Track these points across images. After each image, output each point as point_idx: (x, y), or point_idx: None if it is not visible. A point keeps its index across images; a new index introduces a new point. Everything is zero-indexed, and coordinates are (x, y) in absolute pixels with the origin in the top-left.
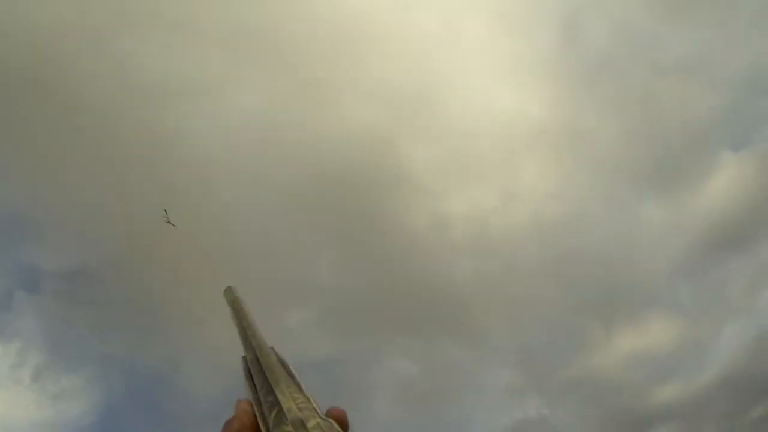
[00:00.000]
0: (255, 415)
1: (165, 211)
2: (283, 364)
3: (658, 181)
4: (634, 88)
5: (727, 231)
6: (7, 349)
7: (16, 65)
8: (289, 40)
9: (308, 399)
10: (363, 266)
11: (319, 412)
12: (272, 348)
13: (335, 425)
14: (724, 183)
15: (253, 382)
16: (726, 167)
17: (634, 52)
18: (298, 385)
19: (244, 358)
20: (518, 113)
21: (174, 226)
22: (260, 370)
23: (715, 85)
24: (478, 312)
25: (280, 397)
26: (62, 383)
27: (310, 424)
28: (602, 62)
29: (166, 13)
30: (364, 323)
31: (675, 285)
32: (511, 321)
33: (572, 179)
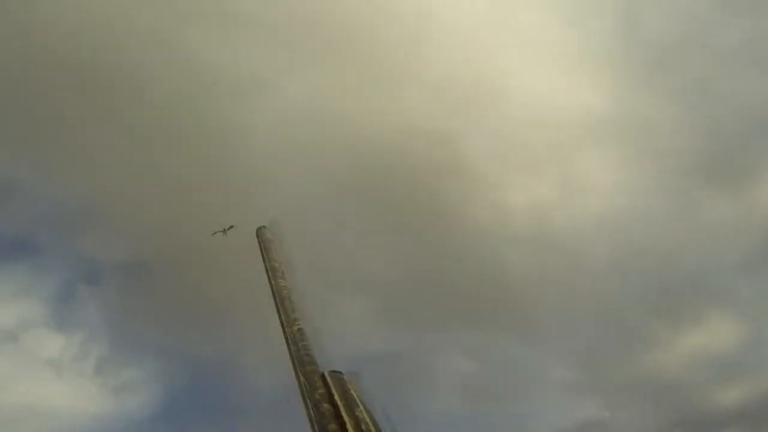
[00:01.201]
0: None
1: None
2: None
3: (721, 174)
4: (695, 77)
5: None
6: (70, 340)
7: (82, 60)
8: (349, 34)
9: None
10: (422, 258)
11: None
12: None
13: None
14: None
15: None
16: None
17: (693, 40)
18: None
19: None
20: (578, 104)
21: (225, 232)
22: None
23: None
24: (538, 307)
25: None
26: (123, 375)
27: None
28: (662, 51)
29: (230, 7)
30: (423, 316)
31: (739, 283)
32: (571, 317)
33: (633, 172)
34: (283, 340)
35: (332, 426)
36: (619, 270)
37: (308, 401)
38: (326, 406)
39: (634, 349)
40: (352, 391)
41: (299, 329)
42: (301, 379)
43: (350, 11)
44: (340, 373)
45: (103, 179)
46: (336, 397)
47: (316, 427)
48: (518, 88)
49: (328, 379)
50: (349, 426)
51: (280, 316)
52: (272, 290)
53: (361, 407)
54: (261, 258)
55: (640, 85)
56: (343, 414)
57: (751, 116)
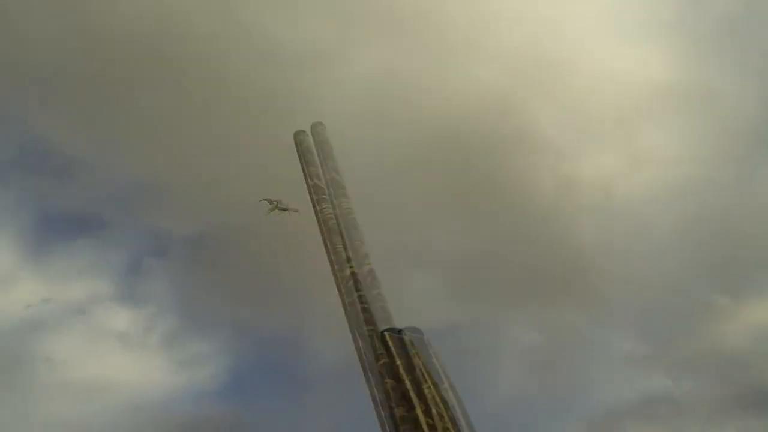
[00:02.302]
0: None
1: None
2: None
3: None
4: (762, 48)
5: None
6: (137, 314)
7: (137, 33)
8: (415, 4)
9: None
10: (484, 230)
11: None
12: None
13: None
14: None
15: None
16: None
17: (761, 11)
18: None
19: None
20: (644, 74)
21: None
22: None
23: None
24: (604, 279)
25: None
26: (192, 348)
27: None
28: (729, 19)
29: None
30: (487, 289)
31: None
32: (636, 288)
33: (700, 142)
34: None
35: (399, 411)
36: (685, 240)
37: (369, 375)
38: (390, 382)
39: (699, 321)
40: (417, 360)
41: (352, 273)
42: (359, 343)
43: None
44: (401, 332)
45: (167, 154)
46: (401, 369)
47: (381, 411)
48: (584, 58)
49: (390, 342)
50: (418, 410)
51: (328, 254)
52: (317, 219)
53: (429, 382)
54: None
55: (707, 54)
56: (411, 394)
57: None
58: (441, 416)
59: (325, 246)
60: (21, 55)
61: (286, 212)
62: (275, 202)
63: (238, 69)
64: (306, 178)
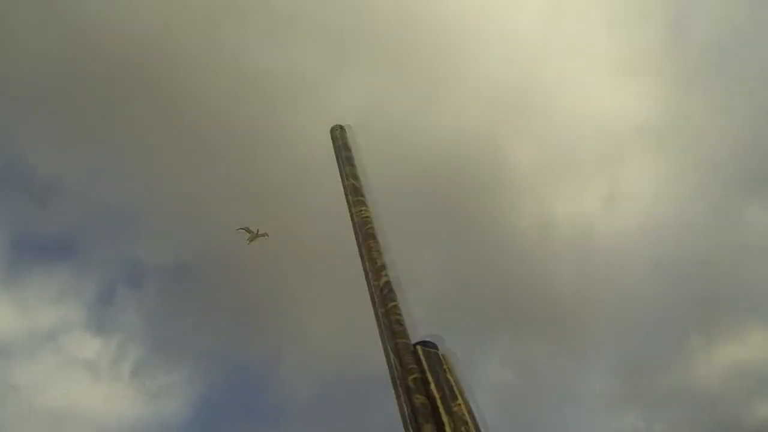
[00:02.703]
0: None
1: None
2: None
3: (765, 184)
4: (744, 84)
5: None
6: (107, 343)
7: (121, 59)
8: (393, 37)
9: None
10: (461, 262)
11: None
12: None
13: None
14: None
15: None
16: None
17: (742, 48)
18: None
19: None
20: (622, 112)
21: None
22: None
23: None
24: (578, 317)
25: None
26: (161, 379)
27: None
28: (708, 59)
29: (274, 5)
30: (459, 321)
31: None
32: (610, 327)
33: (677, 180)
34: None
35: (428, 427)
36: (660, 279)
37: (400, 390)
38: (421, 399)
39: (672, 360)
40: (449, 376)
41: (387, 282)
42: (391, 357)
43: (400, 13)
44: (435, 347)
45: (144, 181)
46: (432, 385)
47: (410, 428)
48: (565, 93)
49: (422, 357)
50: (447, 428)
51: (363, 262)
52: (353, 222)
53: (459, 399)
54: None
55: (688, 91)
56: (441, 412)
57: None
58: None
59: (360, 252)
60: (3, 72)
61: (261, 237)
62: (254, 232)
63: (222, 96)
64: (342, 178)
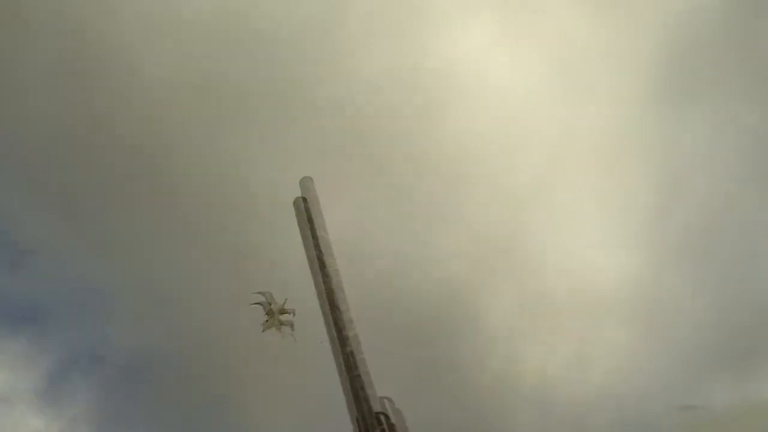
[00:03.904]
0: None
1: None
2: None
3: (728, 363)
4: (716, 272)
5: None
6: (60, 415)
7: (120, 147)
8: (398, 165)
9: None
10: (424, 404)
11: None
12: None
13: None
14: None
15: None
16: None
17: (727, 227)
18: None
19: None
20: (604, 276)
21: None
22: None
23: None
24: None
25: None
26: None
27: None
28: (687, 243)
29: (267, 116)
30: None
31: None
32: None
33: (644, 349)
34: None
35: None
36: None
37: None
38: None
39: None
40: None
41: (351, 352)
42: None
43: (411, 143)
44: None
45: (125, 263)
46: None
47: None
48: (550, 252)
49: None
50: None
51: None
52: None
53: None
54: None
55: (664, 272)
56: None
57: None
58: None
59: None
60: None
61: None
62: (269, 304)
63: (202, 202)
64: (312, 231)
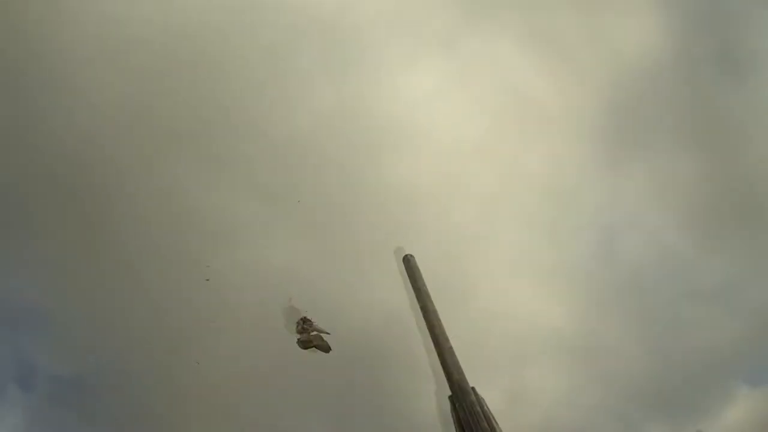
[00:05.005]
0: None
1: None
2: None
3: (669, 408)
4: (662, 311)
5: None
6: None
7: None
8: (337, 207)
9: None
10: None
11: None
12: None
13: None
14: (740, 416)
15: None
16: (743, 401)
17: (668, 274)
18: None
19: None
20: (540, 318)
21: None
22: None
23: (743, 316)
24: None
25: None
26: None
27: None
28: (632, 283)
29: (219, 148)
30: None
31: None
32: None
33: (581, 392)
34: None
35: None
36: None
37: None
38: None
39: None
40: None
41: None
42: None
43: (341, 183)
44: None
45: (61, 286)
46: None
47: None
48: (485, 291)
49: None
50: None
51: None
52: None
53: None
54: None
55: (606, 309)
56: None
57: (710, 359)
58: None
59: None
60: None
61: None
62: (309, 325)
63: (154, 228)
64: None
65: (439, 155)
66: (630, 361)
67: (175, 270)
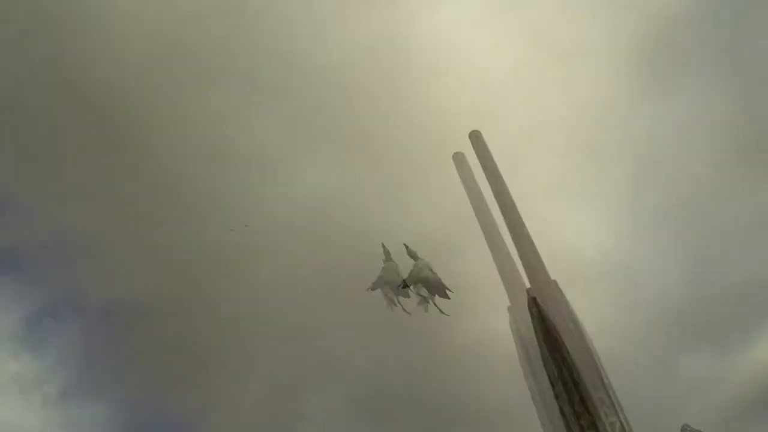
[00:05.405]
0: None
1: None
2: None
3: (700, 332)
4: (697, 242)
5: None
6: (38, 361)
7: (106, 106)
8: (370, 136)
9: None
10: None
11: None
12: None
13: None
14: None
15: None
16: None
17: (706, 206)
18: None
19: None
20: (579, 251)
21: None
22: None
23: None
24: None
25: None
26: (86, 408)
27: None
28: (673, 209)
29: (261, 77)
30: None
31: None
32: None
33: (615, 316)
34: None
35: None
36: None
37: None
38: None
39: None
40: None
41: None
42: None
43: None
44: None
45: (112, 217)
46: None
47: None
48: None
49: None
50: None
51: None
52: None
53: None
54: None
55: (643, 239)
56: None
57: (742, 289)
58: None
59: None
60: None
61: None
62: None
63: (186, 156)
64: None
65: (478, 85)
66: (671, 286)
67: (219, 199)
